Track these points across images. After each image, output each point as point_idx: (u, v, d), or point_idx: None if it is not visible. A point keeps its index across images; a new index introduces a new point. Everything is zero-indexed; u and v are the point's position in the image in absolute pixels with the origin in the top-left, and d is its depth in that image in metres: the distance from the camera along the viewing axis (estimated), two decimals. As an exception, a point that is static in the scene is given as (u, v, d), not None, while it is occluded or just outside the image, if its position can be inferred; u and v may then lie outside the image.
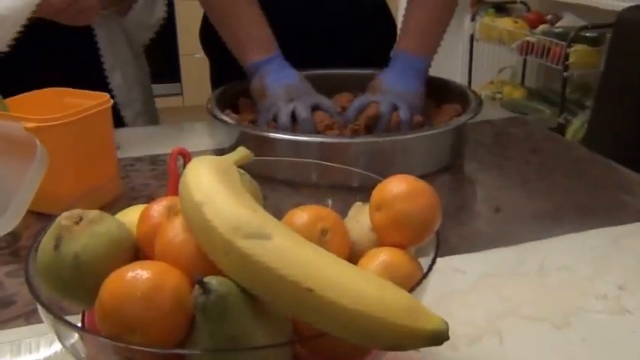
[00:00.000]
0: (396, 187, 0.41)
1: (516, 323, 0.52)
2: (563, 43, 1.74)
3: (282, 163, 0.78)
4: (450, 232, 0.67)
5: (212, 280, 0.30)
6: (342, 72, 1.03)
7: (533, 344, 0.50)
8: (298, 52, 0.96)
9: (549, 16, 2.07)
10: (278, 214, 0.71)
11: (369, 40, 1.12)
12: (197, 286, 0.30)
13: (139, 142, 0.94)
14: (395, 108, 0.83)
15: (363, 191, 0.73)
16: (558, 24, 1.95)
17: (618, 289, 0.56)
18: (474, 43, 2.30)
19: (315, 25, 1.07)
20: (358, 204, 0.48)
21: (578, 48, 1.73)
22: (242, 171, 0.52)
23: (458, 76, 2.52)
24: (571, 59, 1.73)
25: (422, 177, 0.79)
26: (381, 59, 0.94)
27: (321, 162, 0.59)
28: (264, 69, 0.87)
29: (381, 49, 1.04)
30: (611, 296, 0.55)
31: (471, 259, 0.61)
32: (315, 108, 0.84)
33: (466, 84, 2.41)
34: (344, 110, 0.87)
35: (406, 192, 0.40)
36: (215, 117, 0.82)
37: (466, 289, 0.57)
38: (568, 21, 1.93)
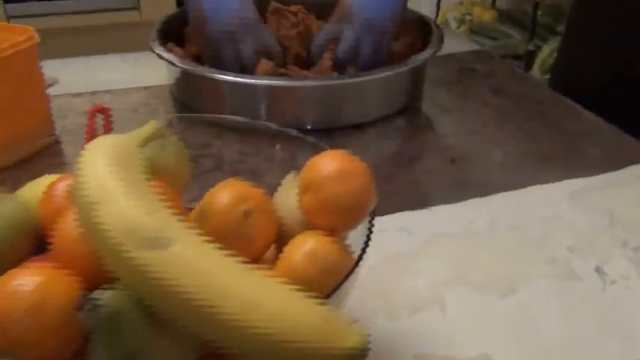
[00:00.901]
0: (326, 166, 0.37)
1: (461, 291, 0.50)
2: (536, -37, 1.66)
3: (227, 111, 0.73)
4: (399, 186, 0.63)
5: (102, 295, 0.26)
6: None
7: (477, 315, 0.48)
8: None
9: None
10: (221, 163, 0.67)
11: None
12: (86, 301, 0.26)
13: (79, 76, 0.87)
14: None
15: (314, 134, 0.69)
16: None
17: (568, 251, 0.55)
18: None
19: None
20: (291, 175, 0.44)
21: (551, -30, 1.66)
22: (168, 132, 0.47)
23: (429, -5, 2.42)
24: (543, -18, 1.66)
25: (376, 121, 0.78)
26: None
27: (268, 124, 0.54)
28: None
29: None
30: (560, 260, 0.53)
31: (419, 217, 0.59)
32: (260, 52, 0.76)
33: (435, 3, 2.31)
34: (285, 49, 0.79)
35: (337, 172, 0.36)
36: (153, 51, 0.75)
37: (412, 252, 0.54)
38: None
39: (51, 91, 0.81)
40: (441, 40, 0.80)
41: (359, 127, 0.74)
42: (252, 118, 0.73)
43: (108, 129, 0.46)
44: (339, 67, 0.76)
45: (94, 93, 0.81)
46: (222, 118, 0.68)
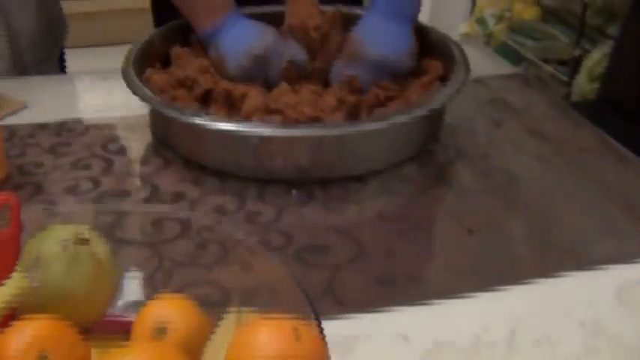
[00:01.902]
0: (263, 348, 0.25)
1: None
2: (589, -41, 1.48)
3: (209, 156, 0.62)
4: (397, 268, 0.51)
5: None
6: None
7: None
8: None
9: None
10: (187, 229, 0.56)
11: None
12: None
13: (50, 100, 0.77)
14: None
15: (304, 186, 0.58)
16: None
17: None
18: (488, -51, 2.01)
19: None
20: (229, 316, 0.33)
21: (605, -33, 1.48)
22: (87, 236, 0.36)
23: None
24: (595, -20, 1.48)
25: (379, 172, 0.65)
26: None
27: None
28: (218, 37, 0.69)
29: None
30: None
31: (420, 316, 0.47)
32: (287, 68, 0.69)
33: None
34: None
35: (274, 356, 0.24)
36: (128, 84, 0.64)
37: (405, 374, 0.43)
38: None
39: (16, 118, 0.72)
40: (467, 72, 0.67)
41: (359, 178, 0.62)
42: (236, 164, 0.63)
43: (15, 229, 0.35)
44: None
45: (62, 123, 0.71)
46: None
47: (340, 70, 0.70)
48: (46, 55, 0.97)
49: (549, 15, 1.87)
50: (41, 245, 0.32)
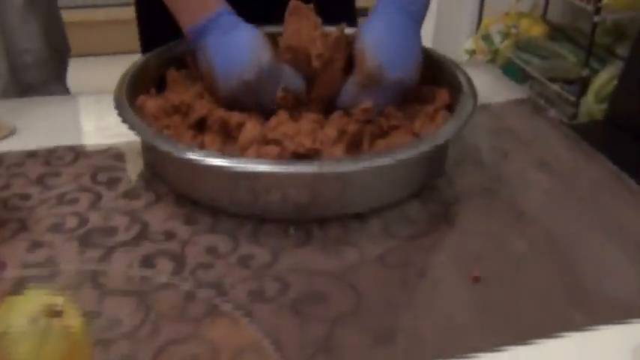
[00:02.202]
0: None
1: None
2: (598, -22, 1.45)
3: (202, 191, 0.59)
4: (399, 323, 0.48)
5: None
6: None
7: None
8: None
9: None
10: (181, 266, 0.53)
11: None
12: None
13: (42, 124, 0.74)
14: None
15: (301, 224, 0.55)
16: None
17: None
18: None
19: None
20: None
21: (615, -15, 1.45)
22: (60, 308, 0.33)
23: (470, 3, 2.22)
24: (605, 0, 1.45)
25: (381, 209, 0.60)
26: None
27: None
28: (207, 41, 0.64)
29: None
30: None
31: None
32: (282, 97, 0.65)
33: (477, 13, 2.11)
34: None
35: None
36: (119, 114, 0.61)
37: None
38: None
39: (5, 145, 0.69)
40: (475, 104, 0.64)
41: (360, 216, 0.59)
42: (230, 201, 0.59)
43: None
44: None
45: (52, 150, 0.68)
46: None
47: (352, 94, 0.65)
48: (51, 75, 0.95)
49: (556, 32, 1.84)
50: (8, 318, 0.29)
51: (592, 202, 0.63)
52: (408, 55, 0.65)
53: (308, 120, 0.63)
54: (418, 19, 0.67)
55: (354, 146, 0.62)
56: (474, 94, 0.66)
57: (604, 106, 1.55)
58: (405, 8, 0.65)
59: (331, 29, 0.66)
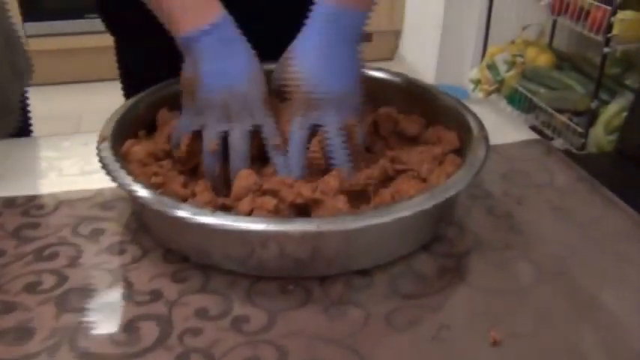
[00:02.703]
0: None
1: None
2: (608, 7, 1.41)
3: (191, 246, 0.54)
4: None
5: None
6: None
7: None
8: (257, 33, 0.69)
9: (590, -33, 1.73)
10: (166, 335, 0.48)
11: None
12: None
13: (21, 169, 0.70)
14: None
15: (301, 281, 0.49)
16: (601, -20, 1.61)
17: None
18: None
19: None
20: None
21: (625, 16, 1.41)
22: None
23: (474, 31, 2.19)
24: (615, 30, 1.41)
25: (387, 264, 0.55)
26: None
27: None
28: (200, 46, 0.59)
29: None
30: None
31: None
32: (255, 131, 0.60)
33: (481, 42, 2.09)
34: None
35: None
36: (102, 163, 0.57)
37: None
38: (613, -24, 1.60)
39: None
40: (486, 150, 0.59)
41: (364, 272, 0.54)
42: (223, 258, 0.54)
43: None
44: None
45: (31, 198, 0.63)
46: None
47: (303, 124, 0.59)
48: (7, 101, 0.90)
49: (562, 61, 1.81)
50: None
51: (614, 253, 0.58)
52: (343, 74, 0.60)
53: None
54: (355, 37, 0.61)
55: (358, 194, 0.58)
56: (484, 137, 0.62)
57: (613, 137, 1.51)
58: (337, 25, 0.60)
59: None
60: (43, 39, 2.46)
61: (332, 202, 0.54)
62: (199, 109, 0.60)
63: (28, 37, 2.44)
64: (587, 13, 1.55)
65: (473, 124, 0.64)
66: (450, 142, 0.66)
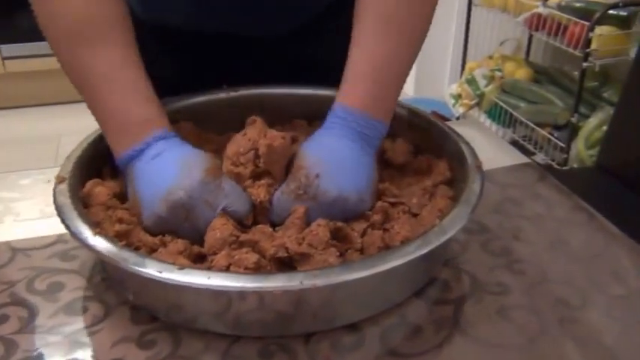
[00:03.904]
0: None
1: None
2: (586, 23, 1.39)
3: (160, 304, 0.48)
4: None
5: None
6: (289, 92, 0.72)
7: None
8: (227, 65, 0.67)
9: (565, -19, 1.72)
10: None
11: (330, 48, 0.80)
12: None
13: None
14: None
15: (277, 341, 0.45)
16: (577, -6, 1.60)
17: None
18: (472, 8, 1.94)
19: (254, 30, 0.75)
20: None
21: (602, 31, 1.39)
22: None
23: (451, 47, 2.17)
24: (593, 45, 1.39)
25: (378, 315, 0.49)
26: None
27: None
28: (135, 165, 0.53)
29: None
30: None
31: None
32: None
33: (460, 58, 2.07)
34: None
35: None
36: (58, 211, 0.51)
37: None
38: (589, -9, 1.59)
39: None
40: (481, 184, 0.55)
41: (353, 327, 0.49)
42: (195, 318, 0.48)
43: None
44: None
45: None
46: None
47: (285, 204, 0.53)
48: None
49: (541, 76, 1.79)
50: None
51: (620, 298, 0.54)
52: (354, 174, 0.54)
53: (293, 214, 0.52)
54: (372, 146, 0.56)
55: (344, 238, 0.52)
56: (479, 167, 0.57)
57: (593, 151, 1.48)
58: (355, 130, 0.55)
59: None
60: (20, 61, 2.40)
61: (322, 256, 0.48)
62: (155, 226, 0.52)
63: (5, 59, 2.38)
64: (565, 28, 1.53)
65: (466, 151, 0.60)
66: (440, 172, 0.62)
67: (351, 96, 0.56)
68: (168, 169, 0.51)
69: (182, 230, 0.51)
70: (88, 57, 0.53)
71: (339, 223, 0.51)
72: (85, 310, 0.50)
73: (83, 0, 0.54)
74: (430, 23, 0.60)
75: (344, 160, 0.53)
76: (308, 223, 0.51)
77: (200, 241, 0.51)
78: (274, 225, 0.53)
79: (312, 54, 0.78)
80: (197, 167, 0.51)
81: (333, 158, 0.53)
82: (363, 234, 0.53)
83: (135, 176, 0.53)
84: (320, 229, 0.48)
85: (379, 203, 0.55)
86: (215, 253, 0.48)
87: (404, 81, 0.59)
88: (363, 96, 0.56)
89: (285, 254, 0.47)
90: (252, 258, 0.46)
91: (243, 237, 0.49)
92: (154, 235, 0.51)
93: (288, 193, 0.52)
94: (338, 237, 0.51)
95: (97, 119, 0.56)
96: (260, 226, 0.51)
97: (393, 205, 0.57)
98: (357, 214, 0.53)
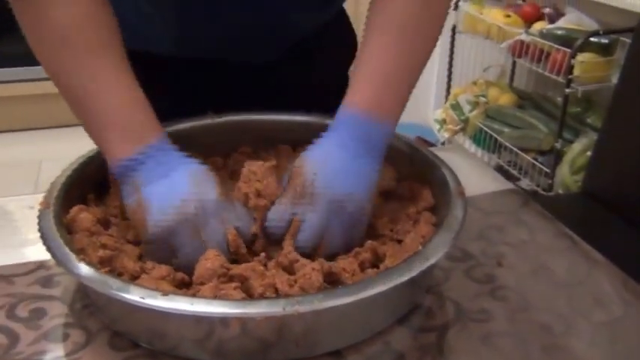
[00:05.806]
0: None
1: None
2: (568, 50, 1.42)
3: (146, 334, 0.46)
4: None
5: None
6: (277, 119, 0.72)
7: None
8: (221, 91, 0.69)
9: (547, 10, 1.75)
10: None
11: (319, 72, 0.82)
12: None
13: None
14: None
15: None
16: (559, 23, 1.63)
17: None
18: (456, 35, 1.98)
19: (244, 56, 0.76)
20: None
21: (584, 58, 1.42)
22: None
23: (436, 73, 2.20)
24: (576, 72, 1.42)
25: (356, 345, 0.48)
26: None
27: None
28: (139, 171, 0.53)
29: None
30: None
31: None
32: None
33: (445, 83, 2.09)
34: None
35: None
36: (42, 239, 0.50)
37: None
38: (571, 19, 1.62)
39: None
40: (464, 210, 0.56)
41: (336, 354, 0.49)
42: (176, 345, 0.48)
43: None
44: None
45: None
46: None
47: (280, 212, 0.53)
48: None
49: (525, 101, 1.82)
50: None
51: (605, 325, 0.54)
52: (352, 177, 0.54)
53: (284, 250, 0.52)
54: (376, 148, 0.57)
55: (336, 282, 0.52)
56: (461, 193, 0.58)
57: (579, 177, 1.50)
58: (356, 133, 0.55)
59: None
60: (1, 85, 2.39)
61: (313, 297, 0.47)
62: (160, 236, 0.51)
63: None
64: (547, 55, 1.56)
65: (449, 177, 0.60)
66: (424, 198, 0.62)
67: (357, 97, 0.57)
68: (181, 180, 0.51)
69: (181, 247, 0.51)
70: (83, 64, 0.54)
71: (333, 268, 0.51)
72: (66, 337, 0.49)
73: (76, 9, 0.54)
74: (442, 28, 0.61)
75: (342, 162, 0.54)
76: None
77: (188, 268, 0.50)
78: (269, 238, 0.54)
79: (300, 79, 0.80)
80: (210, 187, 0.52)
81: (330, 161, 0.54)
82: (353, 274, 0.52)
83: (142, 183, 0.52)
84: (313, 273, 0.48)
85: (368, 242, 0.55)
86: (202, 284, 0.48)
87: (413, 85, 0.60)
88: (369, 98, 0.56)
89: (274, 295, 0.47)
90: (237, 296, 0.45)
91: (234, 271, 0.48)
92: (144, 251, 0.51)
93: (285, 198, 0.53)
94: (330, 280, 0.51)
95: (91, 128, 0.55)
96: (253, 263, 0.50)
97: (382, 242, 0.57)
98: (354, 218, 0.54)
